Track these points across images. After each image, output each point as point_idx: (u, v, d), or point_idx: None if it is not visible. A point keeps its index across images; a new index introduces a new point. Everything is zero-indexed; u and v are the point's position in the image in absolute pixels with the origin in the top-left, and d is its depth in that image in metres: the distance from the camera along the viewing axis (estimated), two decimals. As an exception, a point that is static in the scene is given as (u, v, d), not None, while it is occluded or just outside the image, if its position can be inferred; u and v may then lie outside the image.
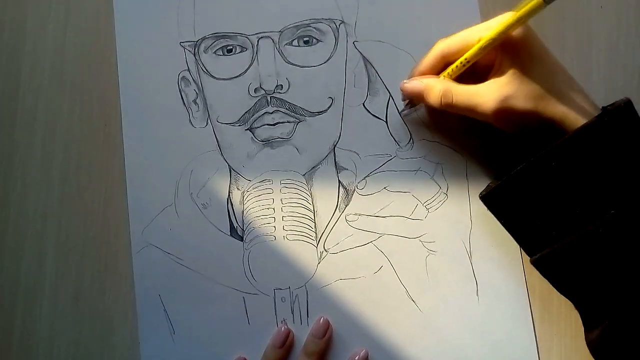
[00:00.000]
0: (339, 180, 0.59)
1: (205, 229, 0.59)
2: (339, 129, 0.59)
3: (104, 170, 0.60)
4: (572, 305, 0.51)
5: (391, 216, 0.58)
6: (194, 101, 0.60)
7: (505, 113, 0.49)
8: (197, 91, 0.60)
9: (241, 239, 0.58)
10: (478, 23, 0.58)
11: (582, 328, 0.51)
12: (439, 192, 0.57)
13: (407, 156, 0.58)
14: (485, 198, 0.53)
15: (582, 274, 0.48)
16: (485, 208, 0.56)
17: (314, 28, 0.59)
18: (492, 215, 0.56)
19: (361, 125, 0.59)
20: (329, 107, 0.59)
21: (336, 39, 0.59)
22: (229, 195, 0.59)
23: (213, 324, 0.58)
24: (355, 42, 0.59)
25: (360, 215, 0.58)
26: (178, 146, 0.60)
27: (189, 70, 0.60)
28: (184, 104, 0.60)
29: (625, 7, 0.59)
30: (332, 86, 0.59)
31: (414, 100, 0.57)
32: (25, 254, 0.60)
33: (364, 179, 0.58)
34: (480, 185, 0.56)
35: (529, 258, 0.51)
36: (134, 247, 0.59)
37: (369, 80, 0.59)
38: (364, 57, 0.59)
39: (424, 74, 0.55)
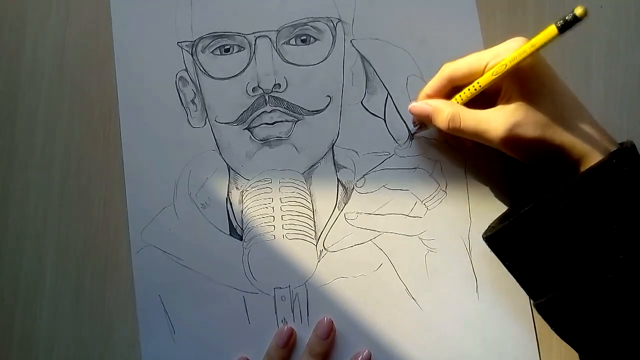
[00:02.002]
0: (337, 179, 0.59)
1: (205, 229, 0.59)
2: (338, 128, 0.59)
3: (103, 170, 0.61)
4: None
5: (390, 214, 0.57)
6: (192, 101, 0.60)
7: (513, 141, 0.49)
8: (195, 91, 0.60)
9: (241, 238, 0.58)
10: (475, 21, 0.58)
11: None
12: (438, 190, 0.57)
13: (406, 154, 0.58)
14: (490, 239, 0.52)
15: (587, 321, 0.47)
16: (485, 205, 0.56)
17: (312, 27, 0.59)
18: (492, 213, 0.56)
19: (359, 124, 0.59)
20: (327, 106, 0.59)
21: (334, 38, 0.59)
22: (228, 194, 0.59)
23: (213, 324, 0.58)
24: (352, 41, 0.59)
25: (359, 213, 0.58)
26: (176, 146, 0.60)
27: (186, 70, 0.60)
28: (182, 104, 0.60)
29: (625, 7, 0.59)
30: (330, 85, 0.59)
31: (423, 122, 0.57)
32: (25, 254, 0.60)
33: (363, 177, 0.58)
34: (479, 182, 0.56)
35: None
36: (133, 248, 0.59)
37: (367, 79, 0.59)
38: (361, 55, 0.59)
39: (430, 96, 0.55)
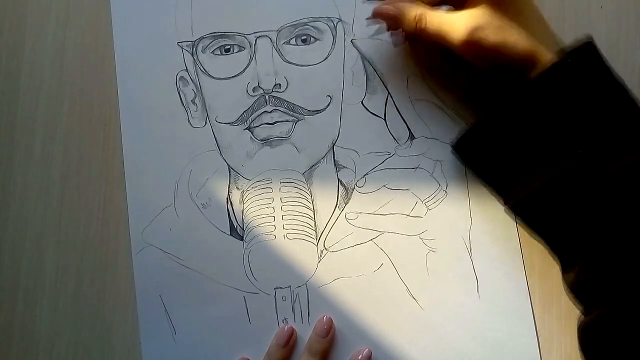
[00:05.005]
0: (338, 179, 0.59)
1: (205, 229, 0.59)
2: (338, 128, 0.59)
3: (103, 170, 0.61)
4: (573, 305, 0.50)
5: (391, 214, 0.57)
6: (193, 101, 0.60)
7: (474, 44, 0.50)
8: (195, 91, 0.60)
9: (241, 238, 0.58)
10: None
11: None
12: (439, 190, 0.57)
13: (406, 154, 0.58)
14: (456, 147, 0.53)
15: (555, 215, 0.49)
16: (485, 205, 0.56)
17: (312, 27, 0.59)
18: (492, 213, 0.56)
19: (360, 123, 0.59)
20: (327, 106, 0.59)
21: (334, 37, 0.59)
22: (228, 194, 0.59)
23: (214, 324, 0.58)
24: (353, 40, 0.59)
25: (360, 213, 0.58)
26: (177, 146, 0.60)
27: (187, 70, 0.60)
28: (183, 104, 0.60)
29: (625, 7, 0.59)
30: (331, 84, 0.59)
31: (388, 25, 0.57)
32: (25, 254, 0.60)
33: (364, 177, 0.58)
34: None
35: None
36: (134, 248, 0.59)
37: (367, 78, 0.59)
38: (362, 55, 0.59)
39: None
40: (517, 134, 0.49)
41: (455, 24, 0.50)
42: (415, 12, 0.52)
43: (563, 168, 0.48)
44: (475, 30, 0.49)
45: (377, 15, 0.55)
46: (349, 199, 0.58)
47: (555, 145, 0.48)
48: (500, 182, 0.52)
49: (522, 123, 0.49)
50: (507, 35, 0.49)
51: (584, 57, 0.48)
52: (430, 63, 0.58)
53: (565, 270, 0.51)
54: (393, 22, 0.55)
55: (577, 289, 0.49)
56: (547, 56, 0.49)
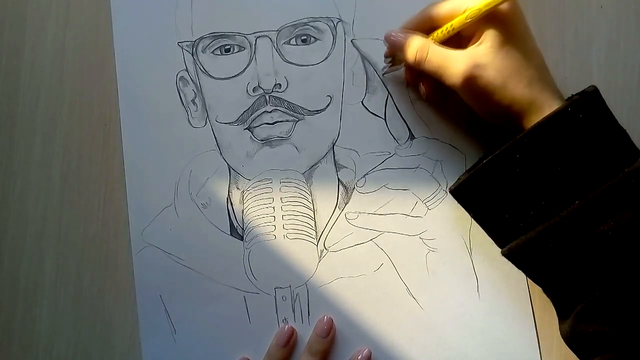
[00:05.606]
0: (338, 179, 0.59)
1: (205, 229, 0.59)
2: (338, 127, 0.59)
3: (103, 170, 0.61)
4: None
5: (391, 214, 0.57)
6: (193, 101, 0.60)
7: (472, 82, 0.49)
8: (195, 91, 0.60)
9: (241, 238, 0.58)
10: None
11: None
12: (439, 189, 0.57)
13: (406, 154, 0.58)
14: (455, 192, 0.52)
15: (550, 265, 0.48)
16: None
17: (312, 27, 0.59)
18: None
19: (360, 123, 0.59)
20: (327, 106, 0.59)
21: (334, 37, 0.59)
22: (228, 194, 0.59)
23: (214, 324, 0.58)
24: (353, 40, 0.59)
25: (360, 213, 0.58)
26: (177, 146, 0.60)
27: (187, 70, 0.60)
28: (183, 104, 0.60)
29: (625, 7, 0.59)
30: (331, 84, 0.59)
31: (394, 56, 0.57)
32: (25, 254, 0.61)
33: (364, 177, 0.58)
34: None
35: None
36: (134, 248, 0.59)
37: (367, 78, 0.59)
38: (362, 55, 0.59)
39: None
40: (514, 183, 0.48)
41: (457, 60, 0.50)
42: (419, 43, 0.52)
43: (558, 219, 0.47)
44: (475, 67, 0.49)
45: (385, 39, 0.55)
46: (349, 199, 0.58)
47: (552, 194, 0.47)
48: (497, 229, 0.51)
49: (518, 172, 0.48)
50: (508, 78, 0.49)
51: (588, 106, 0.47)
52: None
53: (560, 319, 0.50)
54: (398, 50, 0.54)
55: (571, 339, 0.49)
56: (546, 104, 0.48)
